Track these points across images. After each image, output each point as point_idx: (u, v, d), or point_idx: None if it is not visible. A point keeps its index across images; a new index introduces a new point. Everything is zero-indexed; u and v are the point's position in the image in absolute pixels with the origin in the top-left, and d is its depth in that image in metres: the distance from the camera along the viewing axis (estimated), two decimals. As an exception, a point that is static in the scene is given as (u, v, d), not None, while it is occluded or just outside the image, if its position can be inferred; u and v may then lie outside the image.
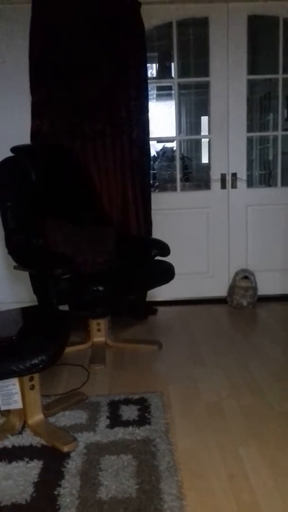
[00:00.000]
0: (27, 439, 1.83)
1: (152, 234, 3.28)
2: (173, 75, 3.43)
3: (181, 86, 3.47)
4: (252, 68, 3.34)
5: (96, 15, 2.94)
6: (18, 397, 1.84)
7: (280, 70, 3.33)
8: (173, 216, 3.47)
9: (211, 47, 3.27)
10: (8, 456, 1.72)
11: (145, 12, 3.01)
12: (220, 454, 1.69)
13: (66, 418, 1.98)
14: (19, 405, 1.84)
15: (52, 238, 2.55)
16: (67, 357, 2.53)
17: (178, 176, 3.50)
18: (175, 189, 3.52)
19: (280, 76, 3.34)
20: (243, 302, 3.42)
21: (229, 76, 3.29)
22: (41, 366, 1.68)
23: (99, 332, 2.69)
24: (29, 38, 2.97)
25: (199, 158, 4.32)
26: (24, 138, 3.03)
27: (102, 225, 2.88)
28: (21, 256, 2.47)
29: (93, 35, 2.97)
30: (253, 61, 3.35)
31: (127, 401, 2.08)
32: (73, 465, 1.65)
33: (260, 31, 3.64)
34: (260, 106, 4.02)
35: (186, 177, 3.63)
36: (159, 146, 3.83)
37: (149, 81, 3.15)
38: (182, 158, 3.56)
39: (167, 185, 3.60)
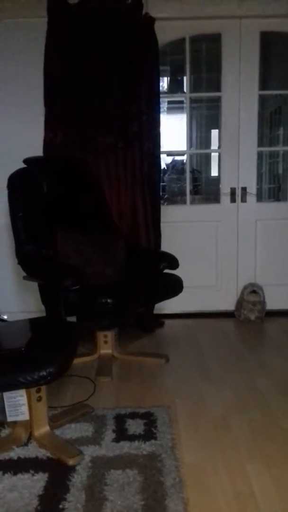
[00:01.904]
0: (33, 451, 1.82)
1: (161, 247, 3.29)
2: (185, 89, 3.47)
3: (192, 100, 3.50)
4: (264, 83, 3.36)
5: (110, 30, 3.00)
6: (25, 409, 1.83)
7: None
8: (182, 229, 3.48)
9: (223, 63, 3.30)
10: (14, 468, 1.71)
11: (159, 28, 3.06)
12: (226, 471, 1.67)
13: (72, 430, 1.97)
14: (25, 416, 1.83)
15: (62, 249, 2.56)
16: (74, 368, 2.53)
17: (188, 189, 3.51)
18: (184, 202, 3.54)
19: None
20: (251, 317, 3.41)
21: (240, 91, 3.32)
22: (49, 378, 1.67)
23: (106, 344, 2.69)
24: (44, 52, 3.02)
25: (209, 171, 4.34)
26: (36, 149, 3.08)
27: (112, 237, 2.89)
28: (30, 266, 2.49)
29: (107, 50, 3.02)
30: (265, 76, 3.37)
31: (133, 415, 2.07)
32: (78, 479, 1.64)
33: (272, 47, 3.68)
34: (270, 120, 4.03)
35: (195, 190, 3.65)
36: (169, 159, 3.85)
37: (161, 95, 3.18)
38: (192, 171, 3.58)
39: (177, 198, 3.61)
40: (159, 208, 3.25)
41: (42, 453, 1.80)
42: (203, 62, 3.55)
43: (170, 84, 3.92)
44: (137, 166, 3.12)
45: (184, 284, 2.69)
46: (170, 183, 3.78)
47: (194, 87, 3.45)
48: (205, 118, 3.96)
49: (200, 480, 1.62)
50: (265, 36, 3.30)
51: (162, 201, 3.34)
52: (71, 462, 1.73)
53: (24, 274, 2.52)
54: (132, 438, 1.89)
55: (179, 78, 3.65)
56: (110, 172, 3.11)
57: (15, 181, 2.60)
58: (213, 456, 1.77)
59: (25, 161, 2.79)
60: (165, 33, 3.16)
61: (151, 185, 3.16)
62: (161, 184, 3.38)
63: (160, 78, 3.24)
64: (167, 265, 2.73)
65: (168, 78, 4.01)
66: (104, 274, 2.58)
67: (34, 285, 2.63)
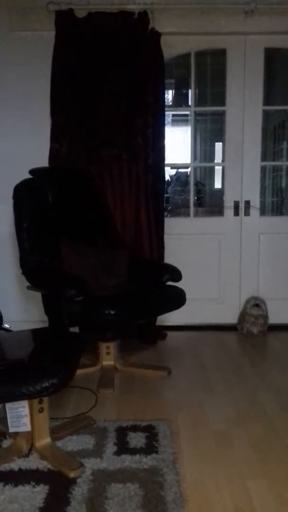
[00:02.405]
0: (34, 462, 1.82)
1: (165, 259, 3.30)
2: (189, 103, 3.50)
3: (197, 113, 3.54)
4: (268, 98, 3.40)
5: (117, 43, 3.05)
6: (27, 420, 1.84)
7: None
8: (185, 241, 3.50)
9: (228, 78, 3.35)
10: (15, 480, 1.72)
11: (165, 42, 3.11)
12: (227, 486, 1.67)
13: (74, 442, 1.97)
14: (27, 427, 1.84)
15: (66, 259, 2.58)
16: (76, 379, 2.49)
17: (192, 201, 3.54)
18: (188, 215, 3.56)
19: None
20: (253, 330, 3.41)
21: (244, 106, 3.36)
22: (51, 389, 1.67)
23: (108, 355, 2.70)
24: (52, 65, 3.07)
25: (212, 184, 4.37)
26: (41, 160, 3.11)
27: (115, 248, 2.91)
28: (34, 276, 2.50)
29: (113, 63, 3.06)
30: (269, 91, 3.41)
31: (134, 428, 2.07)
32: (79, 492, 1.64)
33: (276, 63, 3.72)
34: (274, 135, 4.07)
35: (199, 203, 3.68)
36: (173, 171, 3.89)
37: (166, 109, 3.22)
38: (196, 183, 3.61)
39: (181, 210, 3.64)
40: (162, 220, 3.28)
41: (43, 464, 1.80)
42: (208, 77, 3.60)
43: (175, 97, 3.96)
44: (141, 178, 3.15)
45: (187, 297, 2.69)
46: (174, 195, 3.81)
47: (199, 101, 3.50)
48: (209, 131, 4.00)
49: (201, 495, 1.62)
50: (270, 52, 3.34)
51: (165, 213, 3.36)
52: (72, 474, 1.73)
53: (28, 284, 2.53)
54: (134, 451, 1.89)
55: (184, 91, 3.69)
56: (114, 183, 3.14)
57: (21, 192, 2.63)
58: (214, 471, 1.77)
59: (31, 171, 2.82)
60: (170, 48, 3.20)
61: (155, 197, 3.19)
62: (165, 196, 3.40)
63: (166, 91, 3.28)
64: (170, 277, 2.74)
65: (173, 91, 4.06)
66: (107, 285, 2.60)
67: (38, 295, 2.64)
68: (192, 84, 3.40)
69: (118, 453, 1.88)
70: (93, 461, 1.82)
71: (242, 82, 3.34)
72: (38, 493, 1.64)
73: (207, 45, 3.33)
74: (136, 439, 1.98)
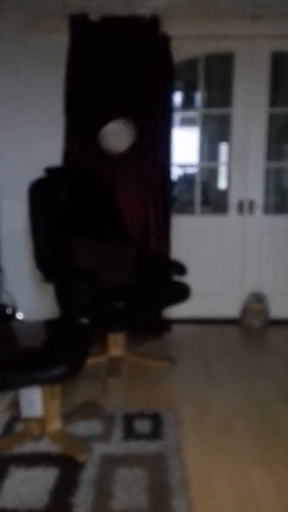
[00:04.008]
0: (45, 446, 1.88)
1: (171, 254, 3.38)
2: (197, 104, 3.57)
3: (204, 115, 3.60)
4: (273, 100, 3.46)
5: (128, 47, 3.10)
6: (39, 405, 1.90)
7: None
8: (191, 238, 3.57)
9: (235, 80, 3.40)
10: (26, 462, 1.78)
11: (174, 46, 3.17)
12: (229, 473, 1.73)
13: (83, 428, 2.03)
14: (39, 413, 1.90)
15: (78, 254, 2.66)
16: (85, 368, 2.59)
17: (198, 200, 3.61)
18: (194, 213, 3.63)
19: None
20: (255, 324, 3.49)
21: (250, 108, 3.42)
22: (63, 376, 1.73)
23: (116, 346, 2.77)
24: (66, 69, 3.13)
25: (217, 183, 4.43)
26: (54, 159, 3.18)
27: (124, 244, 2.98)
28: (47, 270, 2.59)
29: (125, 66, 3.12)
30: (274, 93, 3.47)
31: (141, 415, 2.14)
32: (87, 475, 1.70)
33: (282, 66, 3.77)
34: (278, 136, 4.11)
35: (204, 201, 3.74)
36: (180, 171, 3.95)
37: (174, 110, 3.29)
38: (202, 183, 3.68)
39: (187, 208, 3.70)
40: (169, 217, 3.35)
41: (54, 449, 1.86)
42: (215, 79, 3.65)
43: (184, 99, 4.02)
44: (150, 177, 3.22)
45: (192, 291, 2.77)
46: (181, 194, 3.87)
47: (206, 103, 3.56)
48: (215, 132, 4.06)
49: (203, 481, 1.67)
50: (276, 55, 3.40)
51: (172, 211, 3.43)
52: (81, 458, 1.79)
53: (41, 277, 2.62)
54: (140, 437, 1.95)
55: (192, 93, 3.75)
56: (124, 182, 3.21)
57: (36, 189, 2.71)
58: (216, 457, 1.82)
59: (47, 170, 2.90)
60: (180, 51, 3.26)
61: (163, 196, 3.26)
62: (172, 194, 3.47)
63: (175, 91, 3.35)
64: (176, 272, 2.82)
65: (182, 92, 4.11)
66: (116, 279, 2.67)
67: (49, 287, 2.72)
68: (200, 87, 3.46)
69: (125, 438, 1.94)
70: (101, 446, 1.88)
71: (249, 85, 3.39)
72: (48, 475, 1.70)
73: (215, 48, 3.39)
74: (142, 426, 2.04)
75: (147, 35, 3.09)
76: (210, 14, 3.17)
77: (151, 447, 1.89)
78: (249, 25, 3.24)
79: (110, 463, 1.78)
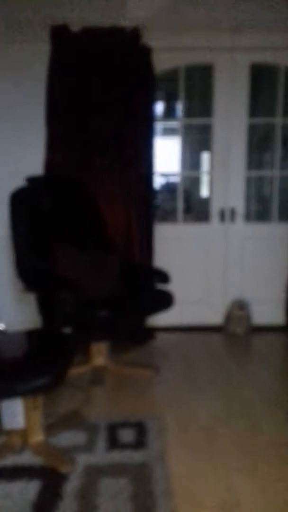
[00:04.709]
0: (27, 458, 1.86)
1: (154, 262, 3.39)
2: (179, 114, 3.61)
3: (186, 125, 3.65)
4: (253, 111, 3.53)
5: (110, 58, 3.13)
6: (21, 417, 1.89)
7: (279, 114, 3.53)
8: (174, 246, 3.59)
9: (215, 91, 3.46)
10: (8, 476, 1.75)
11: (156, 57, 3.20)
12: (214, 480, 1.73)
13: (66, 439, 2.01)
14: (21, 424, 1.89)
15: (60, 263, 2.65)
16: (69, 378, 2.58)
17: (180, 209, 3.64)
18: (176, 221, 3.66)
19: (279, 120, 3.54)
20: (238, 331, 3.52)
21: (231, 119, 3.47)
22: (45, 387, 1.72)
23: (100, 355, 2.76)
24: (47, 77, 3.14)
25: (199, 190, 4.48)
26: (36, 168, 3.18)
27: (107, 253, 2.98)
28: (29, 279, 2.57)
29: (107, 76, 3.15)
30: (254, 104, 3.54)
31: (125, 424, 2.13)
32: (71, 487, 1.68)
33: (261, 77, 3.86)
34: (259, 144, 4.19)
35: (187, 209, 3.77)
36: (162, 179, 3.98)
37: (156, 120, 3.33)
38: (184, 191, 3.71)
39: (169, 216, 3.73)
40: (152, 226, 3.36)
41: (36, 461, 1.84)
42: (196, 90, 3.70)
43: (165, 109, 4.06)
44: (132, 186, 3.23)
45: (175, 299, 2.78)
46: (163, 202, 3.91)
47: (187, 113, 3.61)
48: (197, 141, 4.11)
49: (188, 490, 1.67)
50: (255, 67, 3.47)
51: (155, 219, 3.45)
52: (64, 470, 1.77)
53: (23, 286, 2.59)
54: (124, 447, 1.94)
55: (173, 103, 3.80)
56: (106, 191, 3.21)
57: (17, 198, 2.70)
58: (201, 465, 1.83)
59: (28, 179, 2.90)
60: (161, 62, 3.30)
61: (145, 204, 3.28)
62: (155, 203, 3.50)
63: (156, 102, 3.38)
64: (159, 280, 2.83)
65: (163, 102, 4.16)
66: (99, 287, 2.67)
67: (31, 296, 2.70)
68: (181, 97, 3.51)
69: (109, 448, 1.93)
70: (85, 457, 1.87)
71: (229, 96, 3.45)
72: (31, 488, 1.68)
73: (195, 60, 3.44)
74: (126, 435, 2.04)
75: (128, 46, 3.13)
76: (190, 26, 3.23)
77: (135, 456, 1.88)
78: (228, 38, 3.30)
79: (94, 473, 1.77)
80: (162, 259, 3.42)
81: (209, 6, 3.22)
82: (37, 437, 1.94)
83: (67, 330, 2.30)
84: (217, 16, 3.22)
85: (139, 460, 1.85)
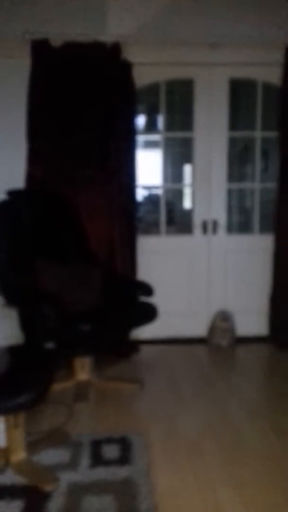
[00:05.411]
0: (9, 478, 1.83)
1: (137, 275, 3.39)
2: (160, 128, 3.66)
3: (168, 138, 3.69)
4: (233, 125, 3.59)
5: (90, 72, 3.15)
6: (2, 435, 1.86)
7: (258, 128, 3.60)
8: (157, 258, 3.59)
9: (195, 105, 3.51)
10: None
11: (136, 71, 3.24)
12: (199, 495, 1.73)
13: (49, 456, 1.99)
14: (2, 443, 1.87)
15: (42, 277, 2.63)
16: (51, 394, 2.54)
17: (163, 221, 3.66)
18: (159, 233, 3.68)
19: (258, 133, 3.61)
20: (222, 343, 3.53)
21: (211, 132, 3.52)
22: (27, 405, 1.70)
23: (83, 370, 2.74)
24: (28, 91, 3.14)
25: (181, 202, 4.52)
26: (17, 182, 3.16)
27: (90, 266, 2.98)
28: (10, 293, 2.54)
29: (88, 91, 3.16)
30: (234, 118, 3.61)
31: (109, 440, 2.11)
32: (54, 506, 1.66)
33: (241, 92, 3.94)
34: (239, 158, 4.27)
35: (169, 222, 3.80)
36: (145, 192, 4.02)
37: (138, 134, 3.36)
38: (167, 204, 3.75)
39: (152, 229, 3.75)
40: (135, 238, 3.37)
41: (18, 480, 1.81)
42: (177, 104, 3.76)
43: (147, 122, 4.11)
44: (115, 199, 3.24)
45: (159, 311, 2.77)
46: (146, 214, 3.93)
47: (168, 126, 3.65)
48: (179, 154, 4.17)
49: (173, 505, 1.67)
50: (234, 82, 3.54)
51: (138, 232, 3.46)
52: (47, 488, 1.75)
53: (3, 301, 2.56)
54: (108, 463, 1.93)
55: (155, 116, 3.85)
56: (88, 204, 3.22)
57: (-2, 212, 2.69)
58: (186, 480, 1.82)
59: (9, 193, 2.88)
60: (141, 77, 3.33)
61: (128, 217, 3.28)
62: (137, 215, 3.51)
63: (137, 115, 3.42)
64: (143, 293, 2.83)
65: (145, 115, 4.21)
66: (82, 301, 2.66)
67: (13, 312, 2.67)
68: (162, 111, 3.56)
69: (93, 465, 1.91)
70: (68, 474, 1.84)
71: (209, 110, 3.50)
72: (13, 508, 1.65)
73: (175, 75, 3.49)
74: (111, 452, 2.02)
75: (108, 61, 3.16)
76: (169, 42, 3.29)
77: (119, 472, 1.87)
78: (207, 53, 3.37)
79: (78, 491, 1.75)
80: (145, 271, 3.42)
81: (189, 22, 3.29)
82: (19, 455, 1.91)
83: (50, 345, 2.28)
84: (197, 32, 3.29)
85: (123, 477, 1.84)
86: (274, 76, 3.44)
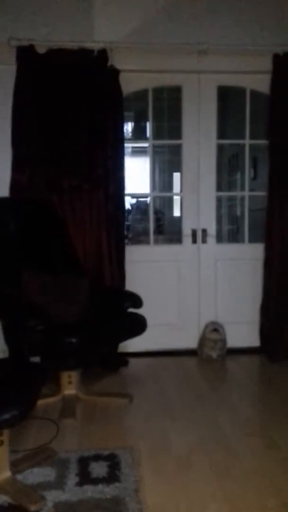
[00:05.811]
0: (-7, 498, 1.78)
1: (125, 286, 3.34)
2: (148, 135, 3.65)
3: (155, 145, 3.68)
4: (222, 133, 3.59)
5: (77, 79, 3.14)
6: (-15, 454, 1.80)
7: (247, 136, 3.61)
8: (146, 268, 3.56)
9: (183, 113, 3.51)
10: None
11: (123, 79, 3.24)
12: (189, 511, 1.69)
13: (34, 475, 1.93)
14: (-14, 462, 1.80)
15: (27, 288, 2.58)
16: (37, 410, 2.47)
17: (152, 230, 3.63)
18: (148, 242, 3.65)
19: (247, 141, 3.62)
20: (212, 355, 3.48)
21: (200, 140, 3.52)
22: (11, 421, 1.65)
23: (70, 384, 2.67)
24: (13, 97, 3.11)
25: (171, 211, 4.50)
26: (1, 190, 3.11)
27: (77, 276, 2.93)
28: (-6, 306, 2.48)
29: (74, 98, 3.15)
30: (222, 126, 3.61)
31: (97, 457, 2.06)
32: (40, 526, 1.61)
33: (229, 100, 3.95)
34: (228, 165, 4.27)
35: (158, 231, 3.78)
36: (133, 200, 3.99)
37: (125, 141, 3.33)
38: (155, 212, 3.72)
39: (141, 238, 3.72)
40: (123, 248, 3.34)
41: (3, 499, 1.76)
42: (165, 111, 3.76)
43: (135, 130, 4.10)
44: (102, 207, 3.21)
45: (148, 323, 2.73)
46: (134, 223, 3.90)
47: (156, 134, 3.64)
48: (167, 162, 4.16)
49: None
50: (222, 89, 3.55)
51: (126, 241, 3.42)
52: (33, 508, 1.70)
53: (-13, 314, 2.50)
54: (96, 481, 1.88)
55: (142, 124, 3.84)
56: (75, 212, 3.18)
57: (-19, 222, 2.63)
58: (176, 496, 1.78)
59: (-7, 201, 2.84)
60: (129, 84, 3.33)
61: (116, 226, 3.25)
62: (126, 224, 3.48)
63: (125, 123, 3.40)
64: (131, 304, 2.79)
65: (133, 123, 4.19)
66: (69, 313, 2.60)
67: (-3, 325, 2.61)
68: (150, 118, 3.55)
69: (80, 484, 1.86)
70: (55, 493, 1.79)
71: (197, 117, 3.51)
72: (-3, 530, 1.61)
73: (163, 82, 3.51)
74: (98, 469, 1.97)
75: (95, 68, 3.15)
76: (157, 49, 3.29)
77: (108, 490, 1.82)
78: (195, 61, 3.37)
79: (65, 511, 1.70)
80: (133, 282, 3.37)
81: (177, 30, 3.31)
82: (3, 474, 1.85)
83: (35, 359, 2.23)
84: (184, 40, 3.30)
85: (112, 494, 1.79)
86: (262, 84, 3.45)
